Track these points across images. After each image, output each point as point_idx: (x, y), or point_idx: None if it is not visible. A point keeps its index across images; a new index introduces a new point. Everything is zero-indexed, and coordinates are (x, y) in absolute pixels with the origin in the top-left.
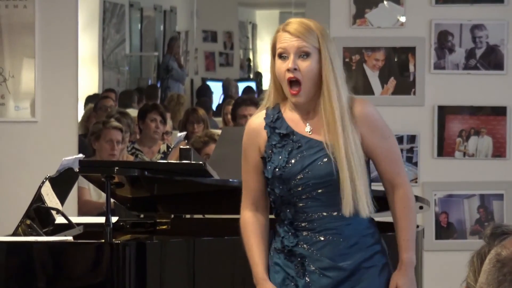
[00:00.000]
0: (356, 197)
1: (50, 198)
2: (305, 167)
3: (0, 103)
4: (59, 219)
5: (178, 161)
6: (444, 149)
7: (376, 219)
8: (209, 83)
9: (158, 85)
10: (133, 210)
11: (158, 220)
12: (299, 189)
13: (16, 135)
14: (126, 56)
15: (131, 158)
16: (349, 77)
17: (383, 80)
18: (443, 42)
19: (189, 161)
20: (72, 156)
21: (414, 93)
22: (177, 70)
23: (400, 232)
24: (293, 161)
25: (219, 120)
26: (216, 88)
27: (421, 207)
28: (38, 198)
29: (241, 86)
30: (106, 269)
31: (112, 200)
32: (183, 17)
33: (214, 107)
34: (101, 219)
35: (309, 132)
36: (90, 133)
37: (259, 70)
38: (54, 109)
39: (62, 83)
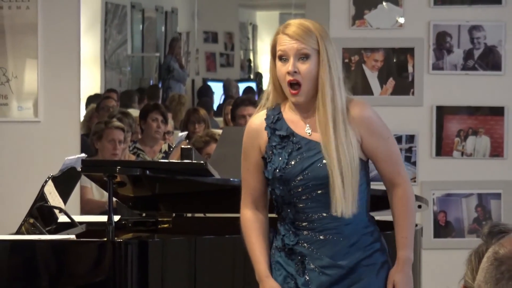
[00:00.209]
0: (344, 197)
1: (53, 197)
2: (304, 168)
3: (3, 103)
4: (62, 218)
5: (179, 161)
6: (442, 148)
7: (376, 217)
8: (210, 83)
9: (160, 85)
10: (135, 209)
11: (159, 219)
12: (299, 190)
13: (19, 135)
14: (128, 57)
15: (133, 158)
16: (349, 77)
17: (382, 81)
18: (442, 43)
19: (190, 161)
20: (75, 156)
21: (413, 94)
22: (178, 71)
23: (399, 230)
24: (293, 162)
25: (220, 120)
26: (217, 88)
27: (419, 206)
28: (41, 197)
29: (242, 86)
30: (108, 267)
31: (114, 199)
32: (184, 18)
33: (215, 107)
34: (104, 218)
35: (309, 133)
36: (93, 133)
37: (260, 70)
38: (57, 109)
39: (64, 83)
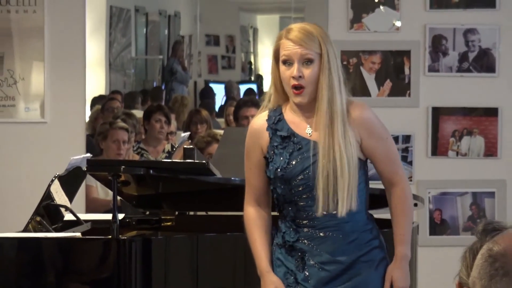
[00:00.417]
0: (335, 196)
1: (59, 196)
2: (305, 168)
3: (11, 104)
4: (68, 216)
5: (182, 160)
6: (438, 148)
7: (375, 215)
8: (211, 85)
9: (163, 87)
10: (139, 207)
11: (162, 217)
12: (300, 189)
13: (26, 136)
14: (132, 59)
15: (137, 157)
16: (347, 79)
17: (379, 82)
18: (437, 45)
19: (192, 160)
20: (80, 156)
21: (409, 95)
22: (181, 73)
23: (396, 227)
24: (294, 162)
25: (221, 120)
26: (219, 90)
27: (415, 205)
28: (48, 196)
29: (243, 88)
30: (113, 264)
31: (118, 197)
32: (187, 21)
33: (216, 108)
34: (108, 216)
35: (309, 133)
36: (98, 133)
37: (260, 72)
38: (63, 110)
39: (70, 85)
